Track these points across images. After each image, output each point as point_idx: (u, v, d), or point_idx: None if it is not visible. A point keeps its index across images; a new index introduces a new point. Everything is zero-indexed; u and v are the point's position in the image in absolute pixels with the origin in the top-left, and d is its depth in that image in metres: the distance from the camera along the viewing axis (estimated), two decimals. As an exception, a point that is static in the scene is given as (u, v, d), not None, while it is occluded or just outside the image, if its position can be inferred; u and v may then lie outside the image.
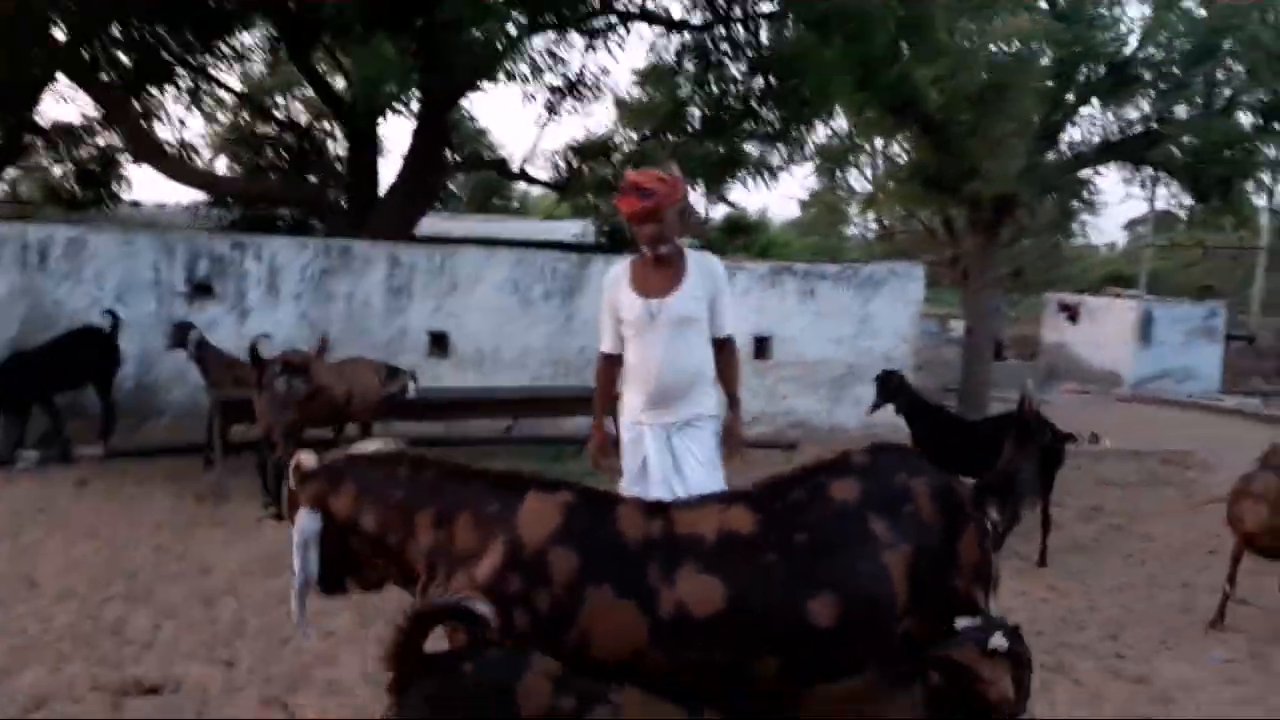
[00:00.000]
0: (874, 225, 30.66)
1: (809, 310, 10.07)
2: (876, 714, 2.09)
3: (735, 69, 11.34)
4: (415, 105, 10.86)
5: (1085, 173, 16.08)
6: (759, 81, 11.18)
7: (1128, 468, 9.27)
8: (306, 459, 2.64)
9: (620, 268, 3.80)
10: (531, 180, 12.61)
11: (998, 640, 2.14)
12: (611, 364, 3.85)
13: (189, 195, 14.47)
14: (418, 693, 2.01)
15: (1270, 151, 13.58)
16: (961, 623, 2.16)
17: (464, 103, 12.74)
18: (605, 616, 2.18)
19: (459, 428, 9.33)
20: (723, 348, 3.82)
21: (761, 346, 10.08)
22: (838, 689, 2.13)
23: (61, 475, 7.21)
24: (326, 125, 13.81)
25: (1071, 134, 15.73)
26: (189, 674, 3.87)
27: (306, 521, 2.53)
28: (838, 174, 19.03)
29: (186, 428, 8.57)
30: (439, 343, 9.42)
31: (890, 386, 7.15)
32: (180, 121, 12.98)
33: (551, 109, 12.00)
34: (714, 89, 11.37)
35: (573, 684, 2.04)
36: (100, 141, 12.77)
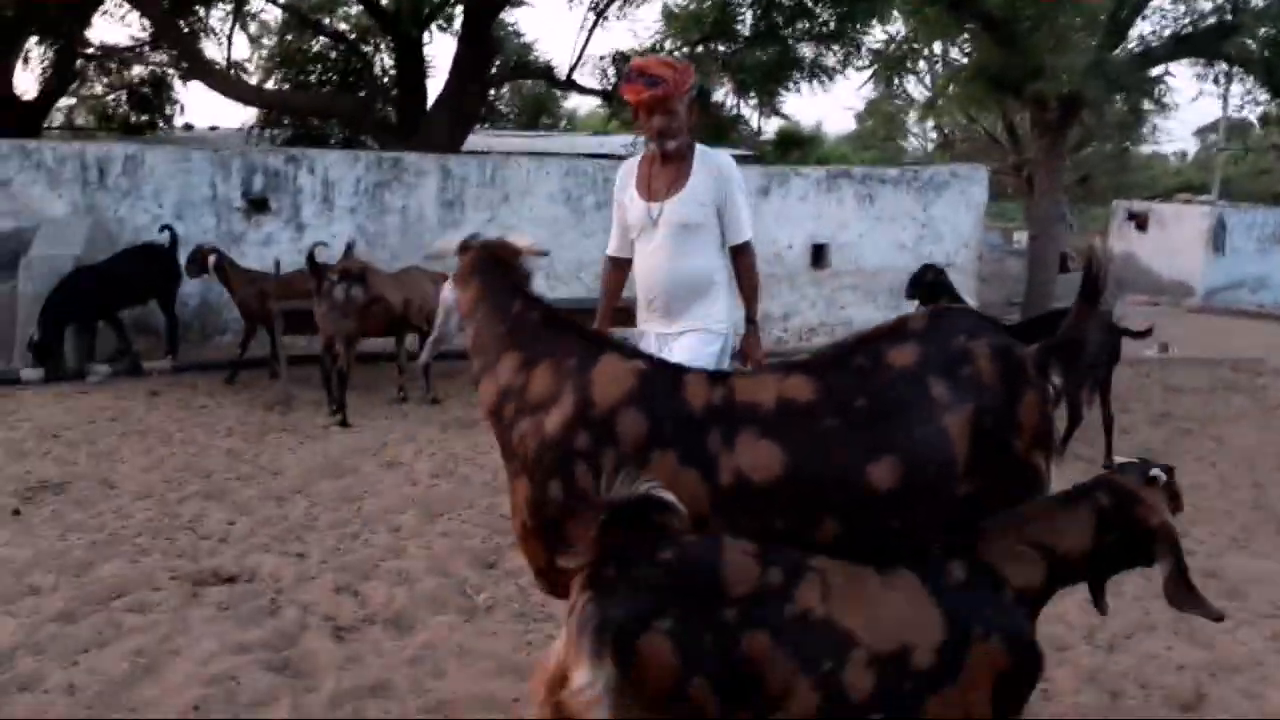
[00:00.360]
0: (934, 135, 29.89)
1: (868, 216, 9.86)
2: (1053, 530, 2.13)
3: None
4: (459, 17, 10.70)
5: (1156, 70, 15.39)
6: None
7: (1198, 375, 9.03)
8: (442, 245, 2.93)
9: (630, 165, 3.60)
10: (579, 89, 12.41)
11: (1158, 471, 2.41)
12: (617, 267, 3.66)
13: (240, 118, 14.52)
14: (623, 586, 1.91)
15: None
16: (1119, 460, 2.22)
17: (509, 16, 12.52)
18: (668, 483, 2.13)
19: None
20: (739, 255, 3.53)
21: (819, 254, 9.92)
22: (1015, 511, 2.17)
23: (133, 387, 7.40)
24: (374, 41, 13.70)
25: (1141, 28, 15.01)
26: (263, 565, 3.98)
27: (447, 292, 2.87)
28: (895, 81, 18.47)
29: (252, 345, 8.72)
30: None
31: (924, 282, 6.66)
32: (228, 38, 12.97)
33: (598, 12, 11.72)
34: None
35: (775, 557, 2.00)
36: (150, 62, 12.83)
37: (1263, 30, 13.04)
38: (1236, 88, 15.38)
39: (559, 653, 1.93)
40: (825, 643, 1.92)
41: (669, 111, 3.38)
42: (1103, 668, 3.27)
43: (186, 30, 11.43)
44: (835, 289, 9.88)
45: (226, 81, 11.34)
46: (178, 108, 13.19)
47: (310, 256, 6.46)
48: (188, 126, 17.75)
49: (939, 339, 2.31)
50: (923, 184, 10.07)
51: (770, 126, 22.21)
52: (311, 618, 3.52)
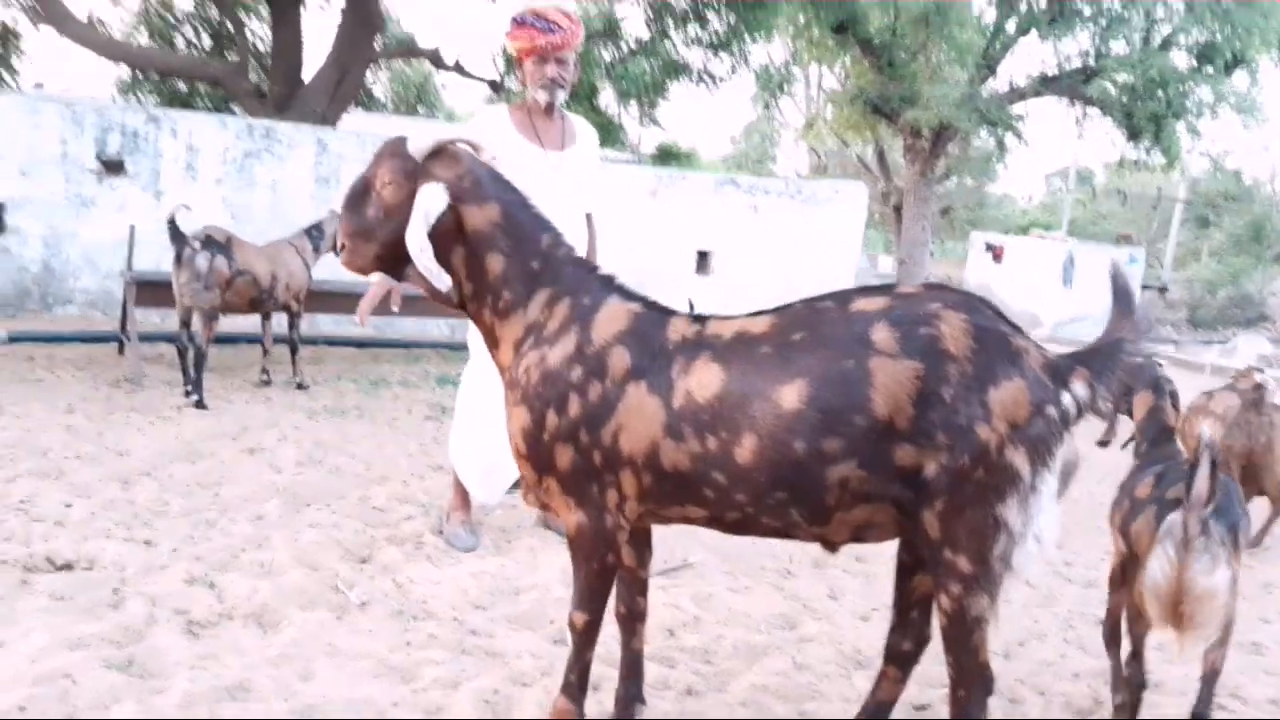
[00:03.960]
0: (806, 159, 30.63)
1: (753, 225, 9.89)
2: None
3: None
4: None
5: (1019, 108, 16.12)
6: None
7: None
8: (417, 142, 2.49)
9: (496, 115, 3.49)
10: (466, 74, 12.05)
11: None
12: None
13: (96, 86, 13.49)
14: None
15: (1203, 93, 13.75)
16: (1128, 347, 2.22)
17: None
18: (636, 410, 2.31)
19: (392, 326, 9.00)
20: (589, 223, 3.66)
21: (703, 260, 9.88)
22: None
23: (-44, 356, 6.68)
24: (250, 6, 12.96)
25: (1010, 65, 15.73)
26: (104, 552, 3.56)
27: (437, 200, 2.42)
28: (773, 103, 18.82)
29: (97, 318, 8.06)
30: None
31: None
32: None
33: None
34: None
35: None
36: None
37: (1122, 76, 13.83)
38: (1095, 129, 16.30)
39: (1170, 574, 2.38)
40: None
41: (562, 61, 3.32)
42: (1000, 674, 3.23)
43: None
44: (718, 295, 9.86)
45: (84, 31, 10.45)
46: (24, 58, 12.08)
47: (171, 220, 5.95)
48: (37, 85, 16.44)
49: (916, 300, 2.23)
50: (806, 198, 10.18)
51: (649, 139, 22.49)
52: (160, 611, 3.15)
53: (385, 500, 4.50)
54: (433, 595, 3.48)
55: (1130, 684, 2.75)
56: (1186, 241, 31.97)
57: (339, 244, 2.63)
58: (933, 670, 3.10)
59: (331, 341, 8.56)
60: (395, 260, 2.53)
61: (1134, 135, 14.35)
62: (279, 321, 6.88)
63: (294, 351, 6.86)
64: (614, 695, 2.70)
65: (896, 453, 2.16)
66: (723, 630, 3.39)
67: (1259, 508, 4.98)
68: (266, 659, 2.89)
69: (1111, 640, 2.91)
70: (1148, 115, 14.09)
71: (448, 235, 2.48)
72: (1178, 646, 2.44)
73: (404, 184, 2.46)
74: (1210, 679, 2.72)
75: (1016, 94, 15.69)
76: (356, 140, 9.02)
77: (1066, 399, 2.18)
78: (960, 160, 22.28)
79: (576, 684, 2.55)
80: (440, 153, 2.50)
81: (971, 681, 2.27)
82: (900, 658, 2.57)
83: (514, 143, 3.44)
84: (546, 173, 3.37)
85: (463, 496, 4.15)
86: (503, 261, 2.50)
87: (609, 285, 2.53)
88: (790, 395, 2.19)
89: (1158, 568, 2.42)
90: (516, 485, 4.69)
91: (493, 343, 2.59)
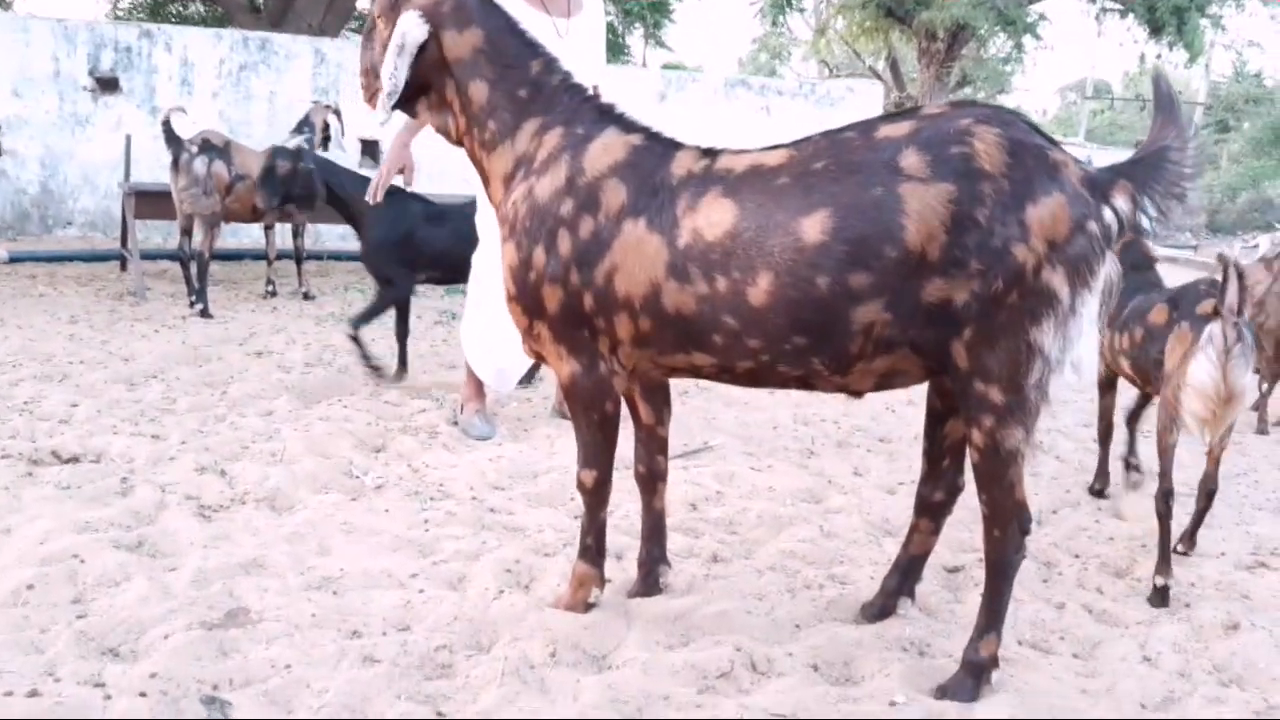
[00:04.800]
0: (816, 74, 29.95)
1: (765, 126, 9.62)
2: None
3: None
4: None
5: (1039, 7, 15.62)
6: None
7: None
8: None
9: None
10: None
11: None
12: None
13: (87, 7, 13.15)
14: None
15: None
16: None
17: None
18: (634, 249, 2.16)
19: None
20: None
21: (713, 164, 9.66)
22: None
23: (-42, 275, 6.58)
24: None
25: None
26: (111, 446, 3.48)
27: (414, 27, 2.33)
28: (782, 18, 18.29)
29: (97, 239, 7.93)
30: (370, 151, 8.77)
31: None
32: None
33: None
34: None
35: None
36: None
37: (1144, -32, 13.34)
38: (1114, 29, 15.78)
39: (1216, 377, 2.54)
40: None
41: None
42: (1033, 539, 3.14)
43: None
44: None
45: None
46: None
47: (166, 123, 5.77)
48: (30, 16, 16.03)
49: (944, 119, 2.04)
50: (819, 98, 9.89)
51: (654, 60, 21.98)
52: (171, 497, 3.07)
53: (398, 396, 4.40)
54: (449, 478, 3.39)
55: (1163, 494, 2.80)
56: (1208, 147, 31.28)
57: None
58: (963, 535, 3.02)
59: (336, 256, 8.41)
60: (403, 96, 2.44)
61: (1155, 30, 13.87)
62: (283, 235, 6.75)
63: (299, 262, 6.74)
64: (636, 559, 2.61)
65: (926, 289, 2.00)
66: (747, 504, 3.29)
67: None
68: (281, 536, 2.82)
69: (1105, 437, 3.61)
70: (1170, 8, 13.61)
71: (436, 67, 2.40)
72: (1208, 437, 2.77)
73: (390, 16, 2.40)
74: (1218, 461, 2.99)
75: (1034, -8, 15.18)
76: (355, 50, 8.74)
77: (1108, 214, 2.03)
78: (976, 65, 21.72)
79: (594, 547, 2.45)
80: None
81: (1007, 520, 2.15)
82: (932, 509, 2.46)
83: (519, 8, 3.30)
84: (553, 40, 3.22)
85: (477, 386, 4.04)
86: (486, 89, 2.37)
87: (607, 115, 2.36)
88: (812, 227, 2.02)
89: (1204, 372, 2.59)
90: (530, 376, 4.60)
91: (485, 180, 2.47)
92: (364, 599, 2.46)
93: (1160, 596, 2.73)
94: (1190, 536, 3.11)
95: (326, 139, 6.53)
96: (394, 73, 2.33)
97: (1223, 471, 4.01)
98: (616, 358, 2.28)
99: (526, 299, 2.30)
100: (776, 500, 3.36)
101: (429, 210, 4.68)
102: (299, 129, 6.59)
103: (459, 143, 2.48)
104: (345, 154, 7.05)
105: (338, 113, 6.74)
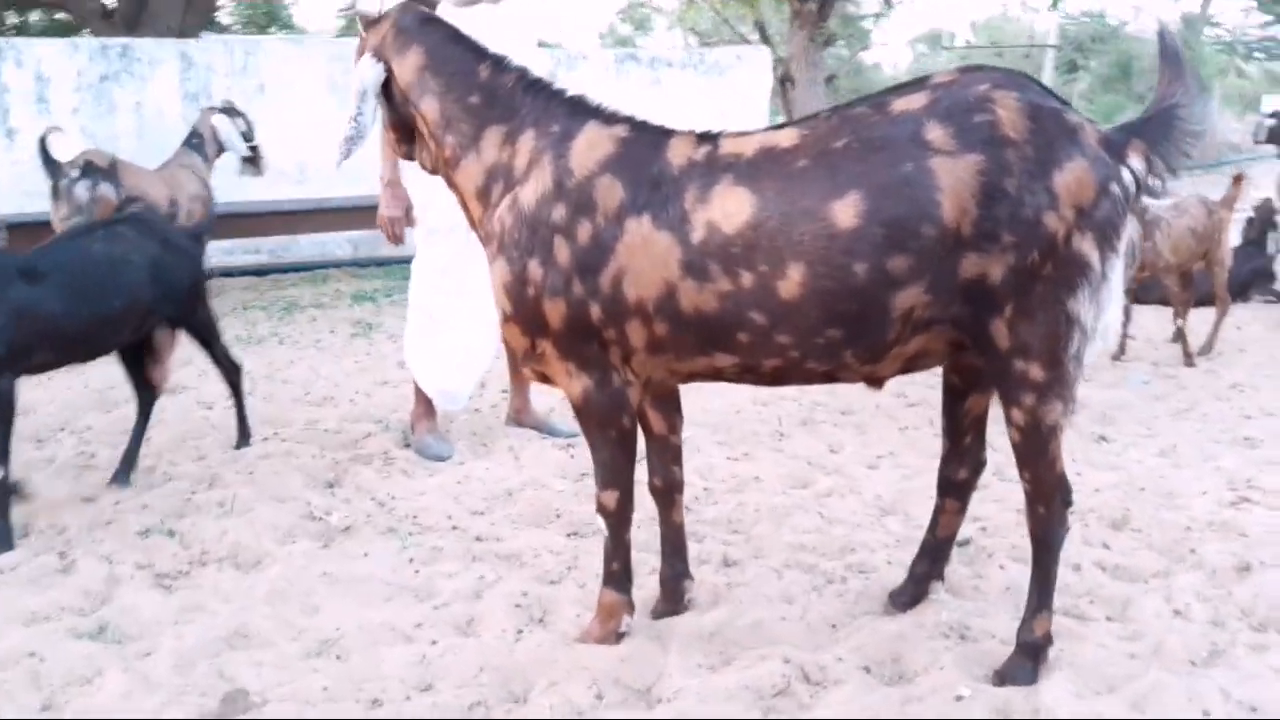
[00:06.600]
0: (683, 40, 29.96)
1: (657, 99, 9.48)
2: None
3: None
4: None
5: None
6: None
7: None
8: (367, 4, 2.36)
9: None
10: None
11: None
12: None
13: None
14: None
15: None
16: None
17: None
18: (641, 250, 2.02)
19: (288, 251, 8.43)
20: None
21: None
22: None
23: None
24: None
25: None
26: (36, 515, 3.14)
27: (367, 69, 2.28)
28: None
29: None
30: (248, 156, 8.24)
31: None
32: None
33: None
34: None
35: None
36: None
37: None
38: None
39: None
40: None
41: None
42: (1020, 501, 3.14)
43: None
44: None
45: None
46: None
47: (42, 145, 5.23)
48: None
49: (960, 87, 1.97)
50: (709, 67, 9.81)
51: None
52: (120, 568, 2.76)
53: (337, 422, 4.13)
54: (422, 509, 3.18)
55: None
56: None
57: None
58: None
59: (227, 272, 7.92)
60: (401, 141, 2.42)
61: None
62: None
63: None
64: (659, 576, 2.47)
65: (963, 265, 1.94)
66: (740, 498, 3.19)
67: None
68: (258, 599, 2.57)
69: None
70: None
71: (403, 102, 2.31)
72: None
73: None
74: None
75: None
76: (224, 49, 8.23)
77: (1126, 175, 1.99)
78: (843, 24, 22.03)
79: (621, 571, 2.31)
80: (378, 20, 2.33)
81: (1050, 495, 2.11)
82: (957, 488, 2.41)
83: (451, 11, 3.15)
84: (485, 26, 3.03)
85: (426, 405, 3.82)
86: (436, 103, 2.25)
87: (582, 108, 2.21)
88: (844, 211, 1.92)
89: None
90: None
91: (461, 201, 2.33)
92: (373, 660, 2.26)
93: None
94: None
95: (223, 147, 6.09)
96: (357, 117, 2.27)
97: (1171, 408, 4.15)
98: (630, 368, 2.14)
99: (525, 317, 2.14)
100: (766, 491, 3.26)
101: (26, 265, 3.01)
102: (188, 141, 6.13)
103: (434, 172, 2.34)
104: (266, 159, 6.55)
105: (230, 112, 6.26)
